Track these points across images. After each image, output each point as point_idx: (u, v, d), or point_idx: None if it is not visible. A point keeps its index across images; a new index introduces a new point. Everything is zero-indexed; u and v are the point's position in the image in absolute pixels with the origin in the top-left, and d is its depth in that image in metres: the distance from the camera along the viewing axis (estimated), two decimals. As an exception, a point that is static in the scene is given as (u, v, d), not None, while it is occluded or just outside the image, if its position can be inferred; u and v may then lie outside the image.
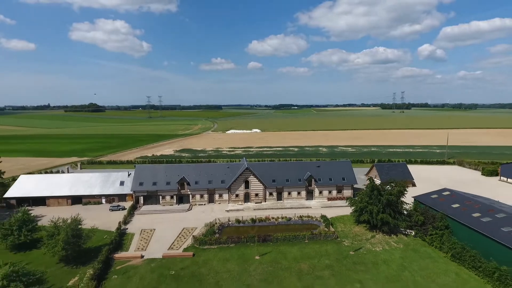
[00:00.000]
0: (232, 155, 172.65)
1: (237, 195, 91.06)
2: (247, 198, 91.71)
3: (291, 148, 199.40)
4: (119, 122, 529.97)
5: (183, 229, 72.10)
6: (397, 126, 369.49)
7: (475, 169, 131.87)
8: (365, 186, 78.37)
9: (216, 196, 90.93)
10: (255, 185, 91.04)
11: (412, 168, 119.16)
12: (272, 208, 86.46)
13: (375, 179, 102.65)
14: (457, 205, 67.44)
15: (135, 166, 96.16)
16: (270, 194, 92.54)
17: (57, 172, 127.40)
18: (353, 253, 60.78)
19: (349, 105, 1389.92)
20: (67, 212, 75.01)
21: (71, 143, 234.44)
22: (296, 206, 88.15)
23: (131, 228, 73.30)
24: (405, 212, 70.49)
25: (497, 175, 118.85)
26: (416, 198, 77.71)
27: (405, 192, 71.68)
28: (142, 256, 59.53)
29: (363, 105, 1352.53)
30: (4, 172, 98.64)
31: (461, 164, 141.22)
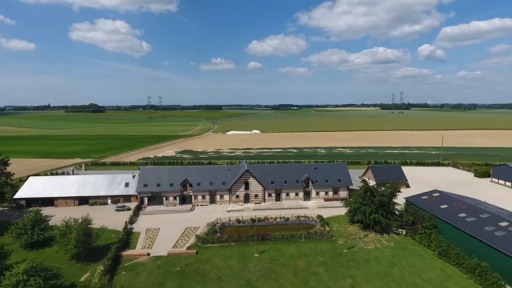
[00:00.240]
0: (232, 157, 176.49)
1: (237, 196, 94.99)
2: (247, 199, 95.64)
3: (290, 150, 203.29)
4: (120, 123, 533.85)
5: (186, 228, 76.03)
6: (395, 127, 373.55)
7: (468, 170, 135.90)
8: (358, 187, 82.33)
9: (217, 197, 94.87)
10: (255, 187, 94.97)
11: (407, 170, 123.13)
12: (271, 209, 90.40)
13: (370, 181, 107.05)
14: (445, 206, 71.49)
15: (139, 168, 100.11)
16: (269, 195, 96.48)
17: (63, 173, 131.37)
18: (346, 251, 64.75)
19: (349, 105, 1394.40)
20: (74, 213, 78.82)
21: (74, 144, 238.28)
22: (294, 206, 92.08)
23: (136, 227, 77.23)
24: (396, 213, 74.44)
25: (489, 176, 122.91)
26: (407, 199, 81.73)
27: (397, 194, 75.66)
28: (148, 254, 63.45)
29: (362, 105, 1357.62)
30: (14, 174, 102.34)
31: (455, 165, 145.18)
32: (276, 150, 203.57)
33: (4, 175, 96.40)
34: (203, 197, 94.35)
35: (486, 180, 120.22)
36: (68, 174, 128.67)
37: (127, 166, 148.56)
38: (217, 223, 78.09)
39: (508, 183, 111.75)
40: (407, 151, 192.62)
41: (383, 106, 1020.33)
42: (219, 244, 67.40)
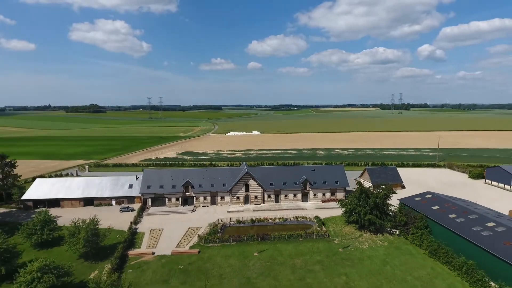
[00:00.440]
0: (232, 158, 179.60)
1: (237, 197, 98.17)
2: (247, 200, 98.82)
3: (289, 151, 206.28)
4: (120, 124, 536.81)
5: (189, 228, 79.19)
6: (394, 128, 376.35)
7: (463, 172, 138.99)
8: (354, 189, 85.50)
9: (218, 198, 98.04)
10: (255, 188, 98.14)
11: (403, 171, 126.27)
12: (270, 210, 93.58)
13: (367, 182, 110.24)
14: (436, 207, 74.67)
15: (143, 171, 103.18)
16: (269, 196, 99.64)
17: (67, 174, 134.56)
18: (342, 250, 67.91)
19: (349, 105, 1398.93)
20: (80, 213, 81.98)
21: (76, 146, 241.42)
22: (292, 207, 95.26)
23: (141, 228, 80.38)
24: (390, 213, 77.54)
25: (483, 178, 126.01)
26: (401, 201, 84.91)
27: (391, 195, 78.76)
28: (153, 253, 66.62)
29: (362, 105, 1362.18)
30: (21, 175, 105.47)
31: (450, 167, 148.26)
32: (276, 151, 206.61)
33: (12, 177, 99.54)
34: (205, 198, 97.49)
35: (480, 182, 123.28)
36: (72, 175, 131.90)
37: (130, 168, 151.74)
38: (218, 223, 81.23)
39: (501, 185, 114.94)
40: (405, 153, 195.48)
41: (383, 107, 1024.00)
42: (220, 243, 70.54)
